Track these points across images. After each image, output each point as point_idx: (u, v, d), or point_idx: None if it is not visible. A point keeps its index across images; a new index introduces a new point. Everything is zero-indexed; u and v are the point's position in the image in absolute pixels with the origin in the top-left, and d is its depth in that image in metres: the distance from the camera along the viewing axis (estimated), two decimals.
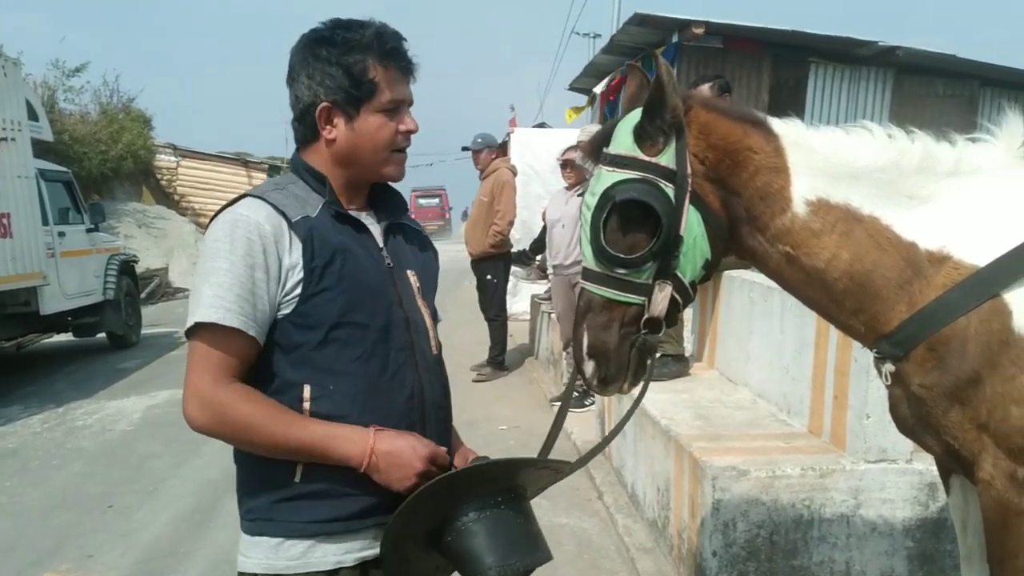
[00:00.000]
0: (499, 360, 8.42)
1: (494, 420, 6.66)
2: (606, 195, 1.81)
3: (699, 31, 9.65)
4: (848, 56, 10.44)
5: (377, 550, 1.66)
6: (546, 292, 8.68)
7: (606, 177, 1.84)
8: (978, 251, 1.82)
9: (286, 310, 1.61)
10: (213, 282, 1.56)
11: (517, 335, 10.15)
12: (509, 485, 1.72)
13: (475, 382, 8.11)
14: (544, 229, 7.87)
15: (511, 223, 8.01)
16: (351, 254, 1.66)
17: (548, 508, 4.76)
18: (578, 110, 14.56)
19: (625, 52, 11.35)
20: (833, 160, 1.89)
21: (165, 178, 23.05)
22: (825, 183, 1.89)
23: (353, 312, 1.63)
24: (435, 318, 1.85)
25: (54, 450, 6.37)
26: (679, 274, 1.87)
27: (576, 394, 8.06)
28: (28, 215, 8.71)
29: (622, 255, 1.82)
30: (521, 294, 10.96)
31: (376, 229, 1.78)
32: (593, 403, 6.26)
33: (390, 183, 1.85)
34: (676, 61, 10.04)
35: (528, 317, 10.23)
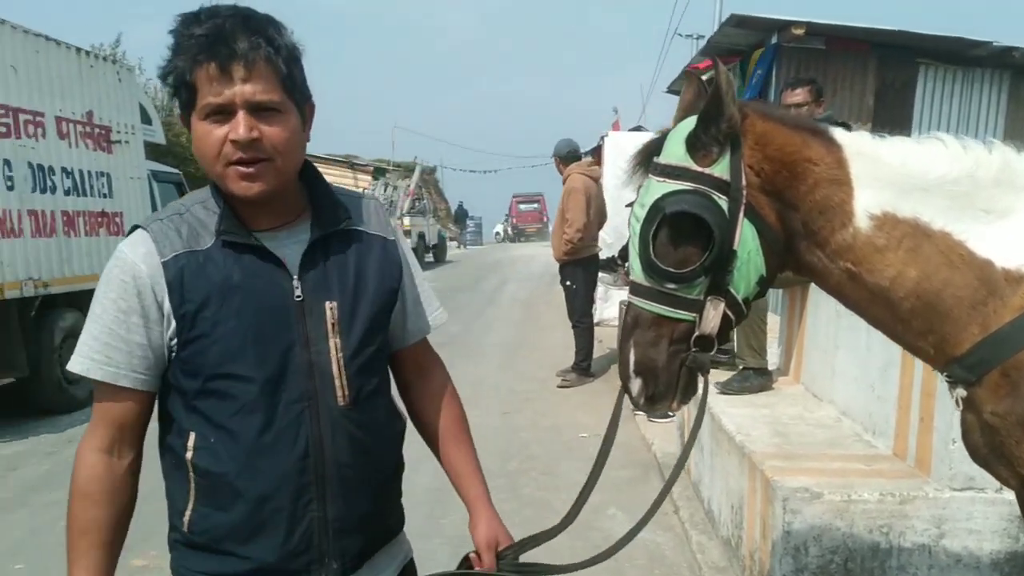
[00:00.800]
0: (584, 366, 8.37)
1: (576, 427, 6.63)
2: (656, 207, 1.71)
3: (799, 32, 9.36)
4: (960, 57, 9.94)
5: None
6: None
7: (656, 188, 1.75)
8: None
9: (174, 353, 1.48)
10: (87, 329, 1.48)
11: (606, 340, 10.08)
12: None
13: (559, 387, 8.11)
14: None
15: (579, 230, 7.95)
16: (236, 293, 1.46)
17: (623, 520, 4.71)
18: None
19: (723, 53, 11.11)
20: (902, 172, 1.77)
21: None
22: (892, 196, 1.77)
23: (230, 362, 1.45)
24: (358, 356, 1.57)
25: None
26: (732, 290, 1.77)
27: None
28: (140, 214, 9.17)
29: (672, 269, 1.72)
30: (612, 300, 10.86)
31: (295, 250, 1.53)
32: (674, 414, 6.15)
33: (328, 184, 1.65)
34: (775, 63, 9.78)
35: (617, 323, 10.12)
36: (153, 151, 11.32)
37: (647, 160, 1.85)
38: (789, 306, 5.20)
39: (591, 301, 8.69)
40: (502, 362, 9.58)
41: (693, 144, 1.74)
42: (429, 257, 26.15)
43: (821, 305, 4.57)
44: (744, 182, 1.75)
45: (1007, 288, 1.72)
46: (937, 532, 3.12)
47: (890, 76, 10.11)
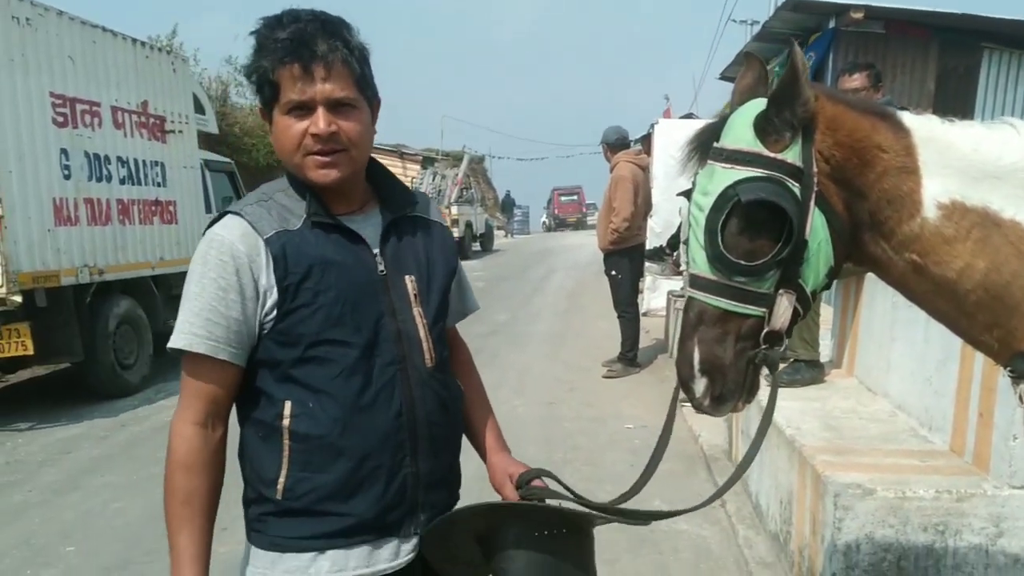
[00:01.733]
0: (630, 356, 8.27)
1: (621, 418, 6.56)
2: (725, 195, 1.61)
3: (858, 15, 9.11)
4: None
5: (370, 568, 1.65)
6: (682, 288, 8.47)
7: (722, 175, 1.65)
8: None
9: (267, 328, 1.58)
10: (186, 307, 1.57)
11: (653, 331, 9.98)
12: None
13: (605, 378, 8.04)
14: (680, 225, 7.68)
15: (626, 219, 7.83)
16: (333, 266, 1.59)
17: None
18: None
19: (778, 39, 10.87)
20: (973, 158, 1.68)
21: None
22: (961, 184, 1.68)
23: (332, 329, 1.58)
24: (437, 324, 1.74)
25: None
26: (802, 282, 1.68)
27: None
28: (193, 203, 9.34)
29: (744, 262, 1.62)
30: (660, 290, 10.74)
31: (372, 231, 1.69)
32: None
33: (394, 175, 1.81)
34: (833, 47, 9.54)
35: (664, 313, 10.02)
36: (206, 140, 11.50)
37: (705, 146, 1.75)
38: (843, 297, 5.06)
39: (636, 291, 8.58)
40: (548, 351, 9.54)
41: (764, 128, 1.65)
42: (476, 246, 26.21)
43: (877, 297, 4.44)
44: (815, 168, 1.66)
45: None
46: (995, 531, 3.00)
47: (952, 61, 9.79)
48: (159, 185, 8.70)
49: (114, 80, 8.00)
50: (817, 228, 1.65)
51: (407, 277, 1.69)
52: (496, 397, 7.11)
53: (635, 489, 1.82)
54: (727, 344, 1.67)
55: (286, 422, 1.58)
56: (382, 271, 1.66)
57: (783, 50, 10.90)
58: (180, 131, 9.09)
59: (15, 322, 6.68)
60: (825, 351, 5.16)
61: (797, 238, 1.60)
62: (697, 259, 1.67)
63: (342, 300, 1.58)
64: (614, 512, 1.76)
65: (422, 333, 1.68)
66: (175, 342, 1.56)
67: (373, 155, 1.74)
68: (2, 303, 6.55)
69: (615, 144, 8.27)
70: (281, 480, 1.60)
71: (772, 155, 1.62)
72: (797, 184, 1.61)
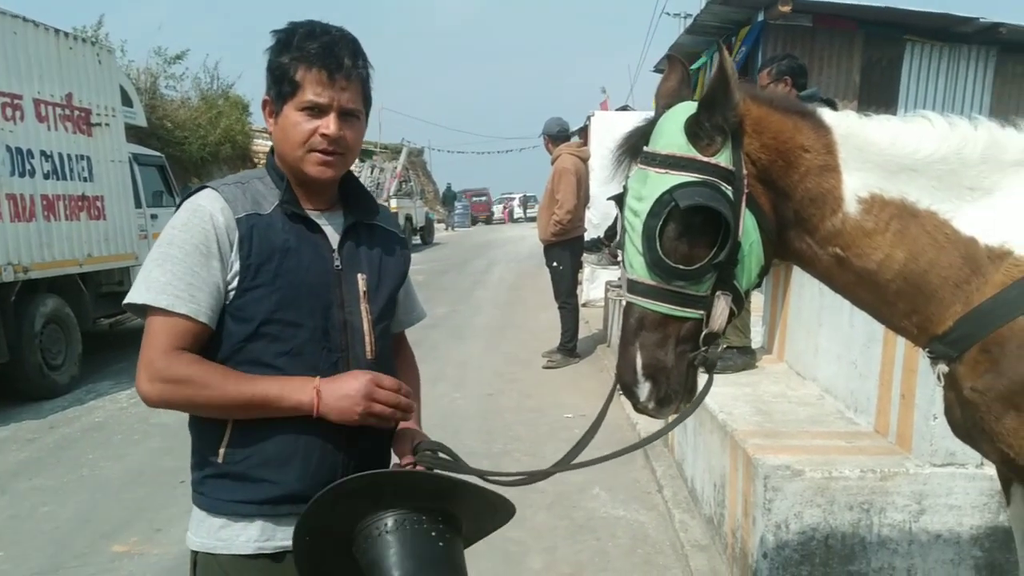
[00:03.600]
0: (570, 347, 8.33)
1: (561, 408, 6.61)
2: (661, 200, 1.63)
3: (786, 9, 9.31)
4: (947, 34, 9.92)
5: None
6: (619, 279, 8.57)
7: (657, 180, 1.67)
8: None
9: (228, 299, 1.69)
10: (167, 268, 1.64)
11: (592, 321, 10.07)
12: (442, 508, 1.66)
13: (545, 368, 8.10)
14: (618, 215, 7.76)
15: (570, 212, 7.87)
16: (293, 254, 1.72)
17: (607, 500, 4.72)
18: None
19: (710, 32, 11.06)
20: (890, 152, 1.73)
21: (262, 162, 23.69)
22: (880, 178, 1.73)
23: (284, 310, 1.69)
24: (381, 321, 1.86)
25: (137, 425, 6.64)
26: (736, 283, 1.72)
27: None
28: (121, 198, 9.09)
29: (682, 266, 1.65)
30: (598, 280, 10.84)
31: (333, 230, 1.82)
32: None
33: (363, 186, 1.93)
34: (761, 41, 9.73)
35: (603, 304, 10.12)
36: (135, 134, 11.21)
37: (635, 149, 1.78)
38: (773, 285, 5.18)
39: (576, 282, 8.63)
40: (488, 344, 9.56)
41: (695, 132, 1.67)
42: (416, 239, 26.07)
43: (805, 284, 4.55)
44: (744, 171, 1.69)
45: (989, 265, 1.69)
46: (918, 508, 3.12)
47: (876, 53, 10.07)
48: (86, 180, 8.43)
49: (36, 72, 7.73)
50: (748, 230, 1.69)
51: (359, 275, 1.81)
52: (436, 390, 7.14)
53: (553, 470, 1.89)
54: (668, 348, 1.71)
55: None
56: (337, 266, 1.78)
57: (714, 43, 11.09)
58: (107, 124, 8.84)
59: None
60: (756, 338, 5.28)
61: (733, 241, 1.64)
62: (635, 264, 1.69)
63: (298, 285, 1.71)
64: (485, 475, 1.84)
65: (366, 327, 1.80)
66: (157, 300, 1.62)
67: None
68: None
69: (556, 136, 8.31)
70: (223, 448, 1.69)
71: (706, 159, 1.65)
72: (730, 187, 1.65)
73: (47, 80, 7.88)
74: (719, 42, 1.86)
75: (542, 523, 4.44)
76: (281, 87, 1.70)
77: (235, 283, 1.68)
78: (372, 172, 25.42)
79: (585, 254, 8.73)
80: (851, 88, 9.82)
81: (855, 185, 1.73)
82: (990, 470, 3.07)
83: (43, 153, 7.76)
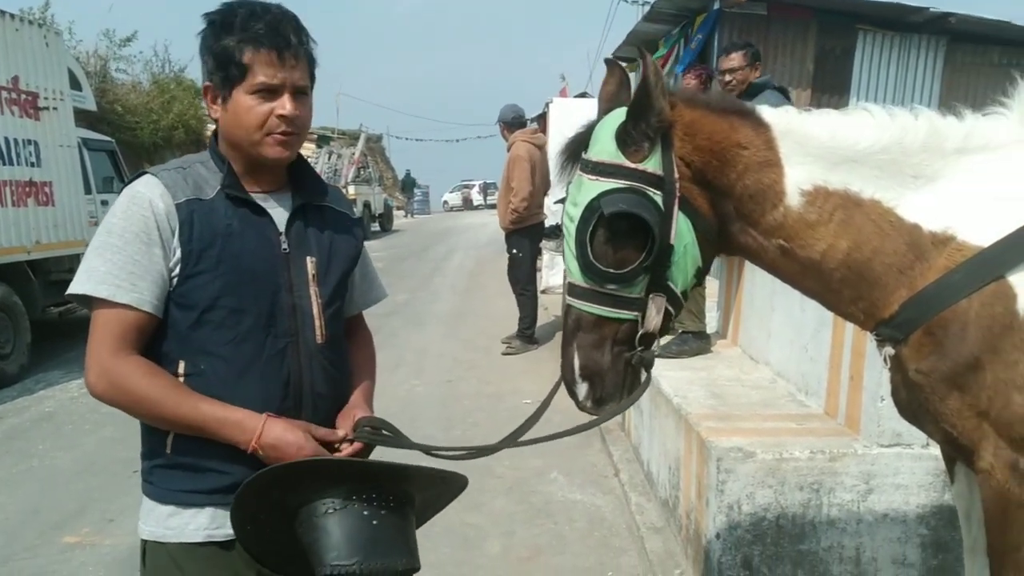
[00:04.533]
0: (528, 333, 8.37)
1: (519, 394, 6.64)
2: (591, 207, 1.69)
3: None
4: (898, 23, 10.09)
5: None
6: None
7: (589, 186, 1.72)
8: (983, 231, 1.71)
9: (170, 287, 1.66)
10: (107, 258, 1.61)
11: (552, 308, 10.10)
12: (383, 486, 1.66)
13: (504, 355, 8.12)
14: None
15: (524, 199, 7.87)
16: (236, 238, 1.69)
17: (564, 484, 4.75)
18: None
19: (667, 20, 11.12)
20: (831, 145, 1.78)
21: None
22: (822, 170, 1.78)
23: (228, 296, 1.67)
24: (332, 304, 1.83)
25: (88, 415, 6.52)
26: (671, 284, 1.77)
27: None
28: (70, 184, 8.89)
29: (612, 270, 1.71)
30: (558, 267, 10.88)
31: (280, 212, 1.78)
32: None
33: (311, 166, 1.90)
34: (716, 28, 9.80)
35: (562, 291, 10.16)
36: (84, 118, 10.96)
37: (575, 155, 1.82)
38: (727, 270, 5.24)
39: (535, 269, 8.64)
40: (447, 331, 9.55)
41: (624, 140, 1.71)
42: (375, 226, 25.90)
43: (758, 271, 4.58)
44: (676, 175, 1.73)
45: (933, 251, 1.74)
46: (866, 488, 3.19)
47: (830, 43, 10.22)
48: (33, 165, 8.22)
49: None
50: (683, 232, 1.74)
51: (308, 258, 1.78)
52: (394, 377, 7.12)
53: (499, 446, 1.94)
54: (604, 349, 1.77)
55: (180, 380, 1.64)
56: (285, 249, 1.75)
57: (671, 31, 11.15)
58: (55, 108, 8.63)
59: None
60: (711, 322, 5.34)
61: (661, 245, 1.68)
62: (571, 268, 1.75)
63: (242, 270, 1.67)
64: (429, 450, 1.87)
65: (315, 310, 1.77)
66: (97, 290, 1.58)
67: None
68: None
69: (512, 123, 8.29)
70: (170, 437, 1.66)
71: (632, 166, 1.69)
72: (659, 192, 1.69)
73: None
74: (641, 49, 1.91)
75: (500, 508, 4.46)
76: (228, 71, 1.65)
77: (177, 270, 1.65)
78: (330, 158, 25.22)
79: (544, 240, 8.75)
80: (804, 76, 9.95)
81: (798, 178, 1.77)
82: (935, 450, 3.14)
83: None
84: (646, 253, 1.69)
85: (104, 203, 9.72)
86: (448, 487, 1.85)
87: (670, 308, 1.78)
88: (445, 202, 46.45)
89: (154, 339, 1.67)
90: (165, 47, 25.61)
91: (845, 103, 10.22)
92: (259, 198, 1.76)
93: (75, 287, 1.61)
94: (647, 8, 13.39)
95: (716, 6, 9.74)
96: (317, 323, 1.78)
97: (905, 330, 1.78)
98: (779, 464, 3.19)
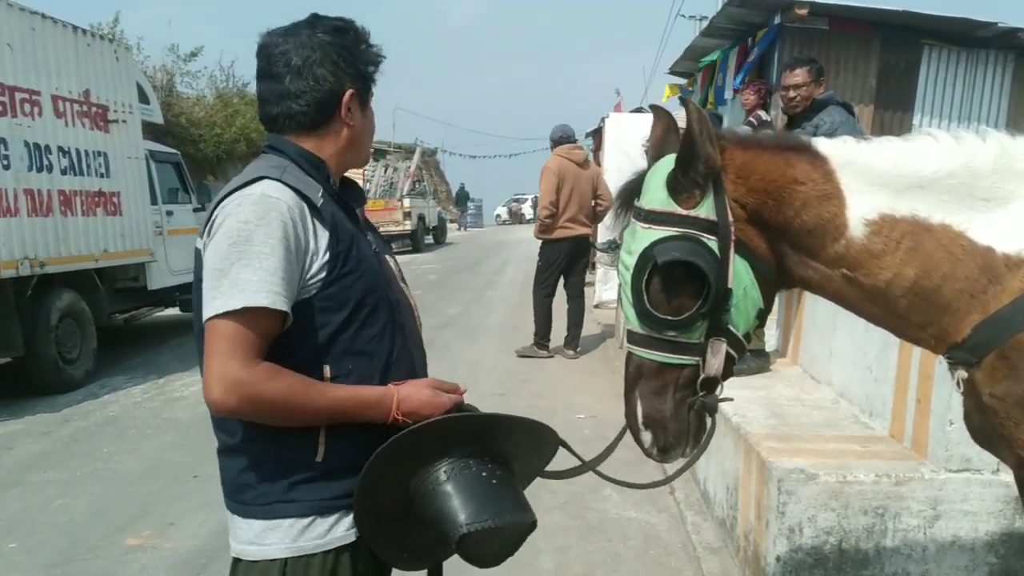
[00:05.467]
0: (539, 340, 8.61)
1: (572, 408, 6.61)
2: (644, 255, 1.68)
3: (803, 12, 9.28)
4: (965, 38, 9.86)
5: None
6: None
7: (642, 235, 1.71)
8: None
9: (309, 292, 1.63)
10: (256, 266, 1.55)
11: (606, 323, 10.07)
12: (486, 449, 1.69)
13: (519, 356, 8.54)
14: None
15: (546, 208, 8.22)
16: (359, 238, 1.74)
17: (618, 501, 4.71)
18: (676, 87, 14.26)
19: (726, 35, 11.05)
20: (894, 172, 1.74)
21: None
22: (887, 198, 1.74)
23: (372, 294, 1.70)
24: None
25: (151, 419, 6.68)
26: (732, 328, 1.74)
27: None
28: (137, 194, 9.14)
29: (670, 317, 1.70)
30: (612, 282, 10.83)
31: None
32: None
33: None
34: (778, 43, 9.70)
35: (616, 306, 10.11)
36: (151, 131, 11.26)
37: (629, 202, 1.82)
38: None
39: (554, 282, 8.63)
40: (499, 344, 9.55)
41: (674, 187, 1.71)
42: (429, 239, 26.10)
43: None
44: (731, 218, 1.71)
45: (1007, 273, 1.69)
46: (932, 513, 3.10)
47: (894, 58, 10.02)
48: (102, 176, 8.48)
49: (55, 68, 7.78)
50: (741, 274, 1.71)
51: (387, 257, 1.87)
52: None
53: (586, 467, 1.98)
54: (667, 395, 1.75)
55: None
56: (375, 248, 1.81)
57: (730, 45, 11.06)
58: (124, 121, 8.89)
59: None
60: (771, 340, 5.27)
61: (717, 290, 1.67)
62: (629, 316, 1.74)
63: (371, 269, 1.72)
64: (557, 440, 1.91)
65: (412, 302, 1.88)
66: (256, 300, 1.53)
67: None
68: None
69: (559, 141, 8.56)
70: (321, 445, 1.64)
71: (684, 212, 1.68)
72: (713, 237, 1.67)
73: (65, 76, 7.93)
74: (683, 98, 1.91)
75: (554, 523, 4.43)
76: (370, 81, 1.77)
77: (323, 273, 1.63)
78: (386, 171, 25.50)
79: (599, 254, 8.82)
80: (867, 92, 9.77)
81: (861, 209, 1.74)
82: (1006, 476, 3.05)
83: (60, 149, 7.81)
84: (703, 299, 1.68)
85: (169, 213, 9.97)
86: (544, 448, 1.89)
87: (732, 352, 1.76)
88: (497, 215, 46.66)
89: (294, 345, 1.63)
90: (231, 62, 26.24)
91: (909, 120, 10.02)
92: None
93: (229, 302, 1.53)
94: (705, 23, 13.34)
95: (777, 20, 9.63)
96: (416, 313, 1.89)
97: (978, 353, 1.74)
98: (842, 487, 3.13)
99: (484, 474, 1.63)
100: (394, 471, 1.63)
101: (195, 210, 10.65)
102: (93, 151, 8.33)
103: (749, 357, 4.74)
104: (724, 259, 1.69)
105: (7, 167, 7.07)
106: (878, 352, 3.71)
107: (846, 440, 3.57)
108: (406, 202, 23.14)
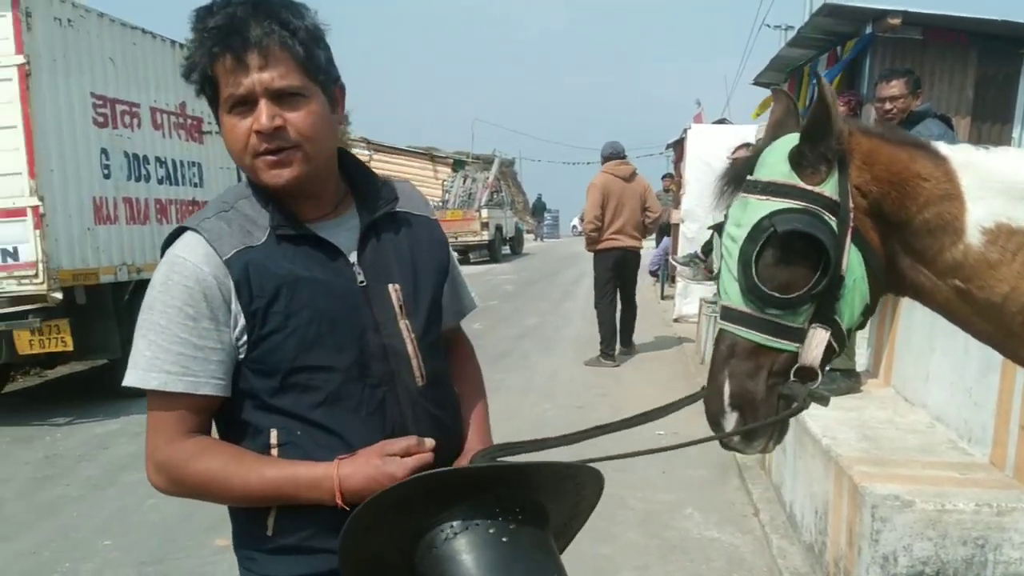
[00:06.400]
0: (604, 350, 8.88)
1: (652, 425, 6.47)
2: (759, 226, 1.58)
3: (896, 21, 8.99)
4: None
5: None
6: (714, 295, 8.46)
7: (757, 206, 1.62)
8: None
9: (240, 356, 1.43)
10: (151, 340, 1.40)
11: (686, 338, 9.93)
12: (518, 497, 1.41)
13: (586, 365, 8.67)
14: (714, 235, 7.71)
15: (590, 222, 8.84)
16: (303, 283, 1.43)
17: (700, 520, 4.63)
18: (762, 108, 13.97)
19: (814, 45, 10.79)
20: (1014, 179, 1.65)
21: None
22: (1005, 205, 1.64)
23: (308, 354, 1.42)
24: (427, 335, 1.56)
25: None
26: (837, 319, 1.64)
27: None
28: None
29: (778, 294, 1.59)
30: (692, 296, 10.71)
31: (348, 238, 1.52)
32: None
33: (369, 168, 1.63)
34: (869, 53, 9.44)
35: (696, 320, 9.98)
36: None
37: (738, 179, 1.74)
38: (881, 306, 5.00)
39: (611, 291, 9.12)
40: (576, 355, 9.51)
41: (799, 162, 1.63)
42: (506, 249, 26.22)
43: (915, 306, 4.35)
44: (851, 204, 1.64)
45: None
46: None
47: (991, 69, 9.64)
48: (196, 185, 8.81)
49: (153, 81, 8.13)
50: (853, 265, 1.63)
51: (391, 286, 1.52)
52: (526, 400, 7.18)
53: (637, 420, 1.73)
54: (759, 379, 1.64)
55: (274, 452, 1.43)
56: (361, 282, 1.49)
57: (817, 56, 10.82)
58: (217, 132, 9.14)
59: (55, 319, 6.78)
60: (861, 360, 5.11)
61: (834, 271, 1.56)
62: (729, 291, 1.65)
63: (317, 320, 1.42)
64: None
65: (410, 349, 1.51)
66: (141, 381, 1.39)
67: (401, 157, 1.57)
68: (43, 300, 6.68)
69: (606, 157, 9.11)
70: (271, 517, 1.45)
71: (809, 187, 1.60)
72: (833, 218, 1.59)
73: (162, 89, 8.27)
74: (817, 73, 1.83)
75: (633, 541, 4.39)
76: (205, 92, 1.41)
77: (245, 336, 1.41)
78: (464, 182, 25.75)
79: (680, 268, 8.77)
80: (964, 104, 9.42)
81: (979, 215, 1.64)
82: None
83: (158, 159, 8.16)
84: (816, 279, 1.58)
85: None
86: (582, 490, 1.59)
87: (834, 344, 1.64)
88: (574, 226, 46.62)
89: (239, 409, 1.46)
90: None
91: (1008, 133, 9.62)
92: (318, 228, 1.48)
93: (127, 378, 1.40)
94: (791, 33, 13.08)
95: (868, 30, 9.38)
96: (414, 363, 1.52)
97: None
98: (940, 516, 3.01)
99: (492, 531, 1.35)
100: (380, 537, 1.36)
101: None
102: (188, 161, 8.67)
103: (839, 376, 4.61)
104: (841, 243, 1.59)
105: (108, 176, 7.40)
106: (978, 375, 3.57)
107: (943, 466, 3.43)
108: (484, 212, 23.32)
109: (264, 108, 1.36)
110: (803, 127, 1.64)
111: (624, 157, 9.25)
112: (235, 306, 1.40)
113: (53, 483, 5.59)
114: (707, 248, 8.74)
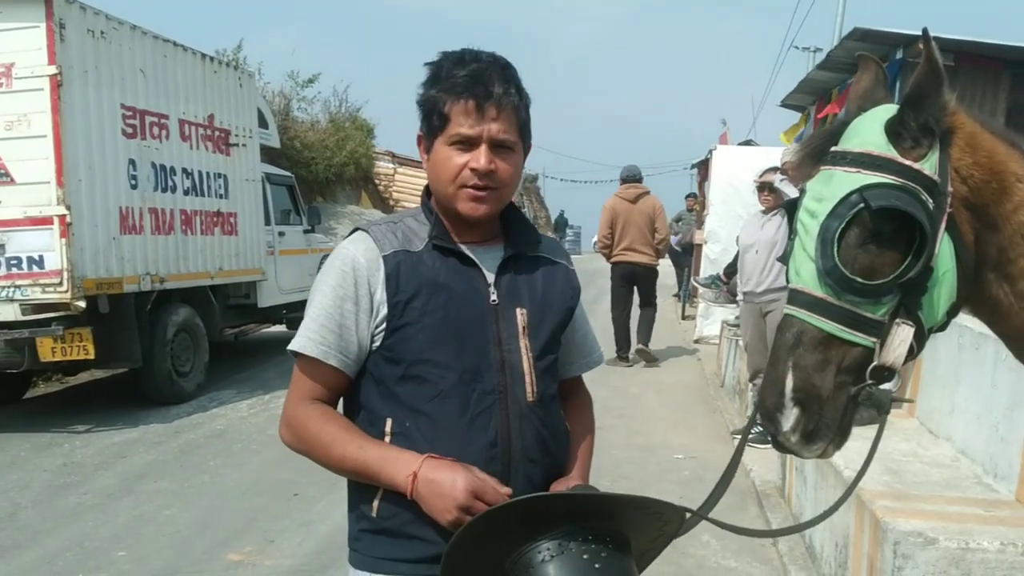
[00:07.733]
0: (621, 355, 9.95)
1: (670, 448, 6.47)
2: (847, 201, 1.39)
3: None
4: None
5: None
6: (736, 318, 8.37)
7: (845, 178, 1.43)
8: None
9: (377, 343, 1.64)
10: (308, 313, 1.66)
11: (706, 360, 9.85)
12: (606, 527, 1.47)
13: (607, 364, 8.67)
14: (738, 253, 7.61)
15: (600, 240, 10.18)
16: (443, 289, 1.64)
17: (717, 549, 4.55)
18: (792, 132, 13.86)
19: (843, 68, 10.71)
20: None
21: (383, 184, 24.45)
22: None
23: (432, 350, 1.62)
24: (544, 358, 1.72)
25: (255, 435, 6.87)
26: (920, 315, 1.44)
27: (757, 431, 7.90)
28: (253, 216, 9.52)
29: (860, 279, 1.40)
30: (713, 317, 10.61)
31: (491, 263, 1.71)
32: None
33: (525, 217, 1.85)
34: (899, 78, 9.36)
35: (717, 342, 9.89)
36: (267, 154, 11.71)
37: (818, 152, 1.56)
38: None
39: (624, 303, 10.15)
40: (596, 377, 9.28)
41: (898, 132, 1.44)
42: None
43: (941, 337, 4.29)
44: (950, 188, 1.45)
45: None
46: None
47: (1023, 95, 9.53)
48: (221, 197, 8.87)
49: (183, 94, 8.21)
50: (944, 256, 1.45)
51: (519, 309, 1.70)
52: None
53: (699, 512, 1.67)
54: (827, 374, 1.44)
55: (387, 439, 1.62)
56: (494, 301, 1.69)
57: (847, 79, 10.74)
58: (244, 145, 9.27)
59: (78, 327, 6.82)
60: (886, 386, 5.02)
61: (928, 257, 1.39)
62: (802, 272, 1.46)
63: (447, 323, 1.63)
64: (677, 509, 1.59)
65: (526, 365, 1.68)
66: (293, 344, 1.65)
67: (420, 168, 1.77)
68: (66, 308, 6.73)
69: (623, 180, 10.09)
70: (377, 500, 1.63)
71: (907, 163, 1.42)
72: (931, 200, 1.41)
73: (192, 101, 8.35)
74: (925, 31, 1.46)
75: (650, 569, 4.30)
76: (431, 121, 1.64)
77: (384, 324, 1.63)
78: None
79: (702, 290, 8.73)
80: None
81: None
82: None
83: (184, 170, 8.22)
84: (907, 265, 1.39)
85: (281, 234, 10.32)
86: (664, 526, 1.61)
87: (915, 344, 1.44)
88: (595, 243, 46.63)
89: (365, 395, 1.67)
90: (345, 87, 27.03)
91: None
92: (468, 248, 1.70)
93: (292, 343, 1.67)
94: (820, 55, 13.00)
95: (899, 55, 9.30)
96: (528, 379, 1.68)
97: None
98: (964, 554, 2.93)
99: (586, 556, 1.44)
100: (481, 553, 1.47)
101: (305, 232, 11.01)
102: (214, 173, 8.73)
103: (863, 407, 4.53)
104: (936, 230, 1.41)
105: (135, 187, 7.48)
106: (1006, 410, 3.49)
107: (968, 503, 3.35)
108: None
109: (484, 152, 1.61)
110: (907, 93, 1.44)
111: (639, 180, 10.10)
112: (380, 295, 1.62)
113: (70, 491, 5.61)
114: (729, 270, 8.65)
